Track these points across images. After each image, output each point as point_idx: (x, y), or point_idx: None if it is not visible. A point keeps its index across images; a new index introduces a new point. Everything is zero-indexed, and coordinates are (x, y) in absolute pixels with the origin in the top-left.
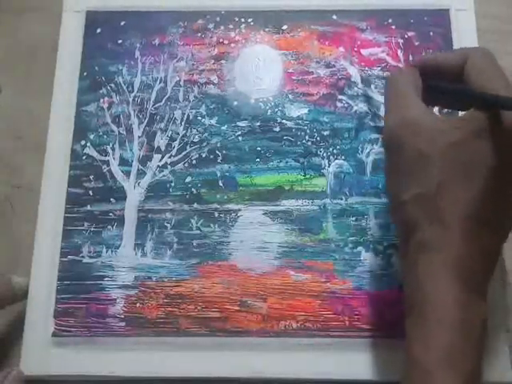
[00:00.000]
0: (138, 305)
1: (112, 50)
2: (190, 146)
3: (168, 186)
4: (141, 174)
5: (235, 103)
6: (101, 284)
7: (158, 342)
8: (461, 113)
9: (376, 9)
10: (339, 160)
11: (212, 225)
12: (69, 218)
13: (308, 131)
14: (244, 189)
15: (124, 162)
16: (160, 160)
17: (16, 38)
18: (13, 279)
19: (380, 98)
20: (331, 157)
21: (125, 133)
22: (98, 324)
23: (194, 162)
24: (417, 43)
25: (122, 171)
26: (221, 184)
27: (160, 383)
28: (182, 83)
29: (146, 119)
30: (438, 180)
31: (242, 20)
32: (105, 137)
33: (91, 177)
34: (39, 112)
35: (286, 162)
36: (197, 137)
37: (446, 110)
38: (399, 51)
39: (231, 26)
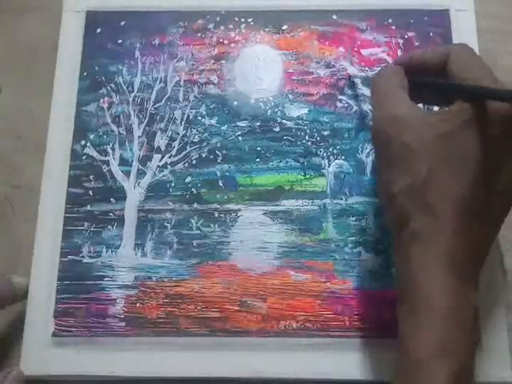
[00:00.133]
0: (137, 305)
1: (112, 49)
2: (190, 146)
3: (168, 186)
4: (141, 173)
5: (235, 103)
6: (101, 284)
7: (158, 341)
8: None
9: (376, 9)
10: (339, 160)
11: (212, 225)
12: (69, 217)
13: (308, 131)
14: (244, 189)
15: (124, 161)
16: (160, 160)
17: (16, 38)
18: (13, 279)
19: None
20: (331, 157)
21: (125, 133)
22: (98, 324)
23: (194, 162)
24: (417, 43)
25: (122, 171)
26: (221, 184)
27: (160, 383)
28: (181, 83)
29: (146, 119)
30: (426, 171)
31: (242, 20)
32: (105, 137)
33: (91, 177)
34: (39, 112)
35: (286, 162)
36: (197, 137)
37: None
38: (399, 51)
39: (231, 26)
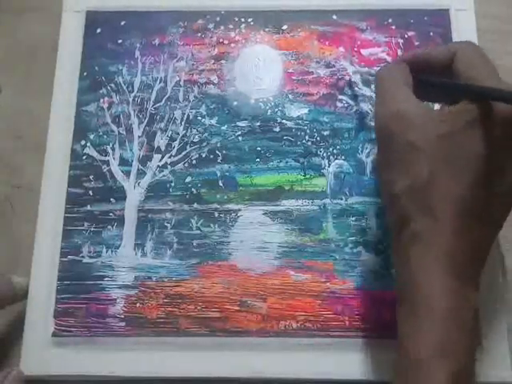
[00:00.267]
0: (137, 305)
1: (112, 49)
2: (190, 146)
3: (168, 186)
4: (141, 173)
5: (235, 103)
6: (101, 284)
7: (158, 341)
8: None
9: (376, 9)
10: (339, 160)
11: (212, 225)
12: (69, 218)
13: (308, 131)
14: (244, 189)
15: (124, 161)
16: (160, 160)
17: (16, 38)
18: (13, 279)
19: None
20: (331, 157)
21: (125, 133)
22: (98, 324)
23: (194, 162)
24: (417, 43)
25: (122, 171)
26: (221, 184)
27: (160, 383)
28: (181, 83)
29: (146, 119)
30: (428, 172)
31: (242, 20)
32: (105, 137)
33: (91, 177)
34: (39, 112)
35: (286, 162)
36: (197, 137)
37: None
38: (399, 51)
39: (231, 26)
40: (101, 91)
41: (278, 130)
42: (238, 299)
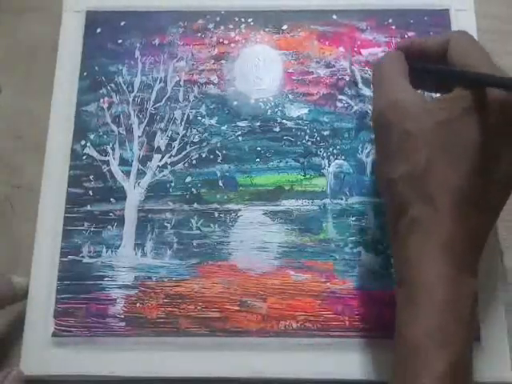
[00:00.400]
0: (137, 305)
1: (112, 49)
2: (190, 146)
3: (168, 186)
4: (141, 173)
5: (235, 103)
6: (101, 284)
7: (158, 341)
8: None
9: (376, 9)
10: (339, 160)
11: (212, 225)
12: (69, 218)
13: (308, 131)
14: (244, 189)
15: (124, 161)
16: (160, 160)
17: (16, 38)
18: (13, 279)
19: None
20: (331, 157)
21: (125, 133)
22: (98, 324)
23: (194, 162)
24: None
25: (122, 171)
26: (221, 184)
27: (160, 383)
28: (181, 83)
29: (146, 119)
30: (426, 160)
31: (242, 20)
32: (105, 137)
33: (91, 177)
34: (39, 112)
35: (286, 162)
36: (197, 137)
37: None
38: None
39: (231, 26)
40: (101, 91)
41: (277, 130)
42: (238, 299)
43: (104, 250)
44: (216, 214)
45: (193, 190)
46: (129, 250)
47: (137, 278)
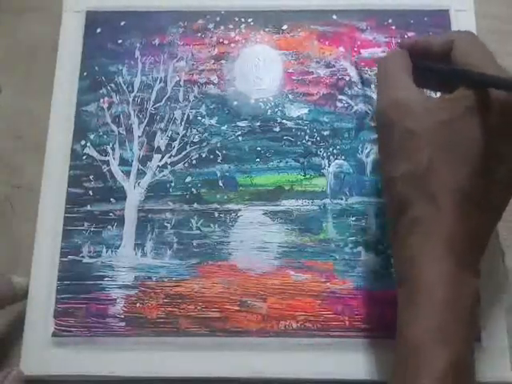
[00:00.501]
0: (138, 305)
1: (112, 49)
2: (190, 146)
3: (168, 186)
4: (141, 173)
5: (235, 103)
6: (101, 284)
7: (158, 341)
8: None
9: (376, 9)
10: (339, 160)
11: (212, 225)
12: (69, 217)
13: (308, 131)
14: (244, 189)
15: (124, 161)
16: (160, 160)
17: (16, 38)
18: (13, 279)
19: None
20: (331, 157)
21: (125, 133)
22: (98, 324)
23: (194, 162)
24: None
25: (122, 171)
26: (221, 184)
27: (160, 383)
28: (181, 83)
29: (146, 119)
30: (428, 158)
31: (242, 20)
32: (105, 137)
33: (91, 177)
34: (39, 112)
35: (286, 162)
36: (197, 137)
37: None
38: None
39: (231, 26)
40: (101, 91)
41: (277, 130)
42: (238, 299)
43: (104, 250)
44: (216, 214)
45: (193, 189)
46: (129, 250)
47: (137, 278)
